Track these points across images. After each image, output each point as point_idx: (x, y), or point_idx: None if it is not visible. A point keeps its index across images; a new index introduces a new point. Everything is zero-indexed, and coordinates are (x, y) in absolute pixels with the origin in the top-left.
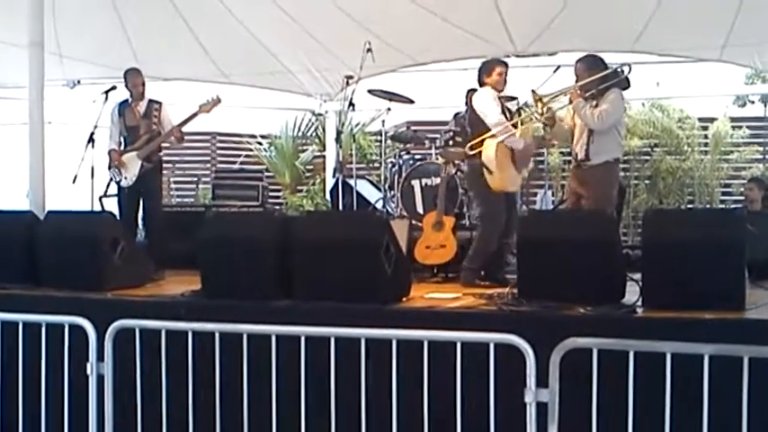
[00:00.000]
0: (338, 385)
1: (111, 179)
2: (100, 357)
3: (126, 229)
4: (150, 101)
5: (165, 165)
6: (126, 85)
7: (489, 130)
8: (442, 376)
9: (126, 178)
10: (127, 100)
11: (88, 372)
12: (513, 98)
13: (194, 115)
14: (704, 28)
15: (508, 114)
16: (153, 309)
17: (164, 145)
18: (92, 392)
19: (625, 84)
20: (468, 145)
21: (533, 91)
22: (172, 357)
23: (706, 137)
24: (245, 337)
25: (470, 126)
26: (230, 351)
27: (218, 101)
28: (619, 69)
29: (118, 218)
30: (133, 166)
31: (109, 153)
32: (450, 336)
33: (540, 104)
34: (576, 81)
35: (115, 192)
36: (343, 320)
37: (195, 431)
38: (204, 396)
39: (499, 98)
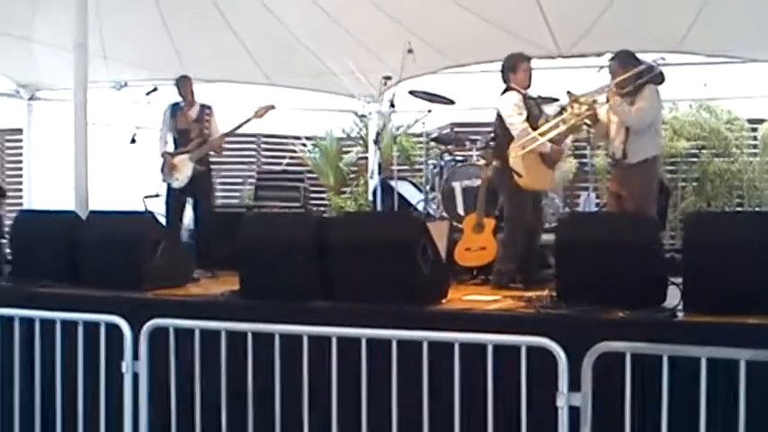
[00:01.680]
0: (370, 386)
1: (164, 180)
2: (135, 356)
3: (167, 229)
4: (202, 105)
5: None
6: (179, 93)
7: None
8: (474, 378)
9: (178, 180)
10: (179, 102)
11: (123, 370)
12: (554, 99)
13: (248, 120)
14: (752, 27)
15: (538, 111)
16: (189, 308)
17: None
18: (127, 391)
19: (660, 79)
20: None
21: (569, 92)
22: (206, 356)
23: (755, 138)
24: (276, 336)
25: (499, 129)
26: (263, 351)
27: (272, 107)
28: (653, 64)
29: (164, 218)
30: (185, 169)
31: (162, 155)
32: (481, 338)
33: (576, 105)
34: (612, 79)
35: (157, 192)
36: (380, 322)
37: (228, 430)
38: (236, 395)
39: (527, 98)
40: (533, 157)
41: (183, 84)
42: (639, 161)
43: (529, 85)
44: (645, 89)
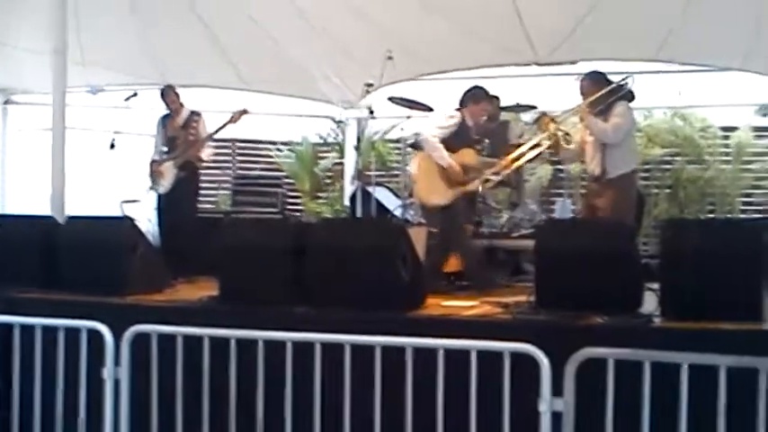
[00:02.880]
0: (353, 392)
1: (150, 187)
2: (116, 362)
3: (145, 234)
4: (192, 112)
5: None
6: (164, 102)
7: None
8: (457, 384)
9: (162, 186)
10: (169, 113)
11: (104, 376)
12: (532, 107)
13: (224, 126)
14: (727, 37)
15: (473, 142)
16: (170, 314)
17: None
18: (108, 397)
19: (630, 96)
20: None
21: (545, 114)
22: (188, 362)
23: (728, 146)
24: (260, 343)
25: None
26: (246, 357)
27: (245, 111)
28: (623, 82)
29: (156, 224)
30: (169, 174)
31: (150, 163)
32: (464, 344)
33: (552, 126)
34: (583, 98)
35: (139, 198)
36: (359, 327)
37: None
38: (219, 401)
39: (466, 128)
40: (432, 171)
41: (167, 93)
42: (618, 176)
43: (476, 122)
44: (617, 106)
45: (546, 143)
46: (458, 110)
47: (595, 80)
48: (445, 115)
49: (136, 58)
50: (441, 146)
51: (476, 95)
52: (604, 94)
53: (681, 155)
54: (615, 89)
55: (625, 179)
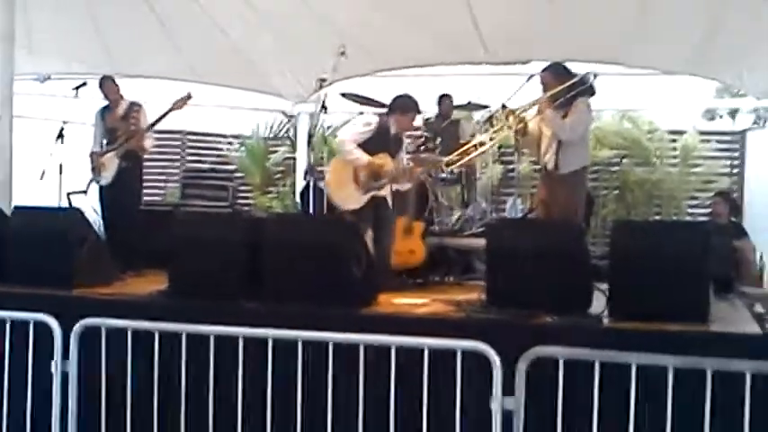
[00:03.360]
0: (305, 388)
1: (92, 179)
2: (65, 355)
3: (93, 226)
4: (131, 103)
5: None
6: (102, 93)
7: None
8: (410, 382)
9: (105, 178)
10: (108, 104)
11: (53, 369)
12: (485, 106)
13: (167, 113)
14: (676, 42)
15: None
16: (119, 307)
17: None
18: (55, 391)
19: (591, 91)
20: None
21: (504, 105)
22: (138, 357)
23: (675, 149)
24: (211, 338)
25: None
26: (197, 351)
27: (189, 97)
28: (585, 77)
29: (100, 216)
30: (111, 167)
31: (90, 155)
32: (417, 342)
33: (511, 117)
34: (544, 91)
35: (85, 189)
36: (312, 323)
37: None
38: (169, 396)
39: (387, 136)
40: (346, 176)
41: (106, 84)
42: (570, 172)
43: (403, 131)
44: (577, 102)
45: (506, 133)
46: (385, 115)
47: (557, 73)
48: (363, 121)
49: (86, 46)
50: (354, 149)
51: (405, 106)
52: (565, 89)
53: (628, 157)
54: (576, 83)
55: (577, 175)
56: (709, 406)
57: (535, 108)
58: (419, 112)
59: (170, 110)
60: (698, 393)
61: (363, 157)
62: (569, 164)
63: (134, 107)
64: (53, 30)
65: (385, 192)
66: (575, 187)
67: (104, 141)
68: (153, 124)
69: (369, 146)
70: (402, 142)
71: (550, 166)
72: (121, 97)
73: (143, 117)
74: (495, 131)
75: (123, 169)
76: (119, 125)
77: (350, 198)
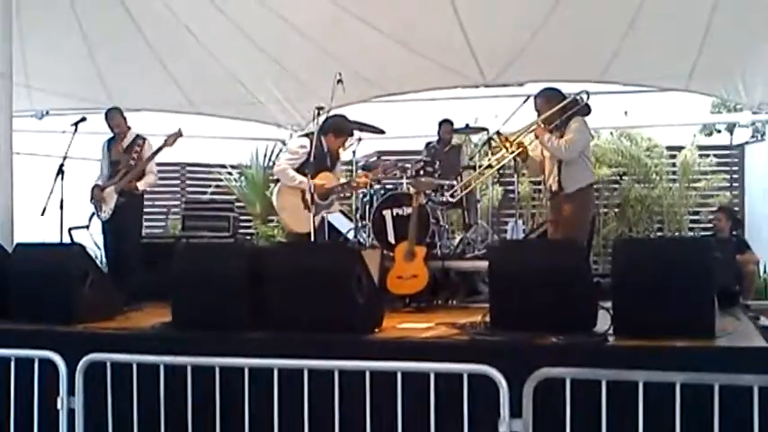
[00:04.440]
0: (311, 416)
1: (93, 213)
2: (71, 392)
3: (95, 261)
4: (137, 136)
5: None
6: (108, 125)
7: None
8: (417, 407)
9: (105, 212)
10: (115, 136)
11: (59, 406)
12: (483, 129)
13: (158, 150)
14: (670, 58)
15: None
16: (124, 342)
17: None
18: (62, 428)
19: (586, 110)
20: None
21: (498, 133)
22: (144, 391)
23: (674, 165)
24: (217, 369)
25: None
26: (203, 384)
27: (180, 134)
28: (578, 97)
29: (102, 251)
30: (110, 200)
31: (92, 189)
32: (423, 367)
33: (507, 144)
34: (538, 115)
35: (86, 224)
36: (316, 351)
37: None
38: (177, 429)
39: (323, 153)
40: (295, 201)
41: (112, 116)
42: (575, 190)
43: (337, 151)
44: (573, 122)
45: (510, 157)
46: (318, 135)
47: (548, 96)
48: (296, 144)
49: (83, 81)
50: (296, 174)
51: (339, 129)
52: (559, 111)
53: (628, 174)
54: (569, 104)
55: (582, 193)
56: (717, 421)
57: (532, 134)
58: (352, 134)
59: (162, 147)
60: (706, 409)
61: (303, 180)
62: (572, 183)
63: (138, 140)
64: (51, 66)
65: (335, 209)
66: (581, 205)
67: (108, 173)
68: (146, 161)
69: (308, 167)
70: (338, 158)
71: (555, 187)
72: (128, 128)
73: (145, 151)
74: (497, 157)
75: (122, 204)
76: (121, 158)
77: (303, 221)
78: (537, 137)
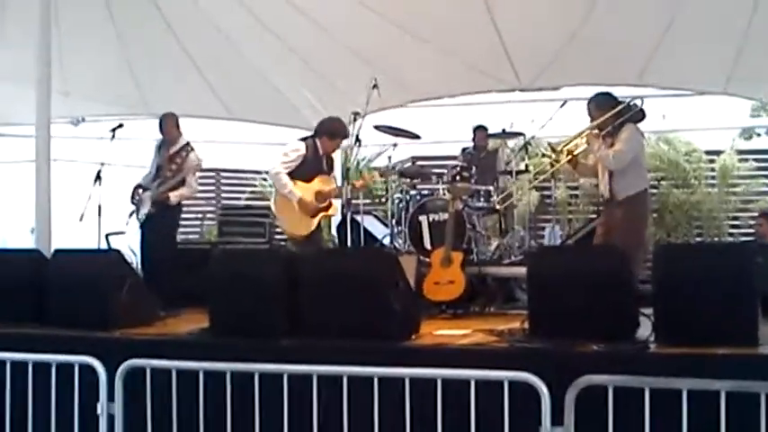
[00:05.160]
0: (351, 423)
1: (132, 212)
2: (110, 397)
3: (132, 267)
4: (186, 144)
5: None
6: (160, 130)
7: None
8: (456, 414)
9: (141, 215)
10: (167, 140)
11: (98, 412)
12: (519, 134)
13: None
14: (708, 61)
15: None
16: (162, 348)
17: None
18: None
19: (640, 116)
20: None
21: (549, 144)
22: (183, 396)
23: (713, 170)
24: (256, 376)
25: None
26: (241, 390)
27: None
28: (632, 103)
29: (139, 256)
30: (145, 205)
31: (134, 188)
32: (463, 374)
33: (557, 154)
34: (591, 121)
35: (123, 230)
36: (353, 358)
37: None
38: None
39: (313, 156)
40: (289, 204)
41: (164, 121)
42: (627, 197)
43: (329, 154)
44: (624, 129)
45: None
46: (312, 138)
47: (600, 102)
48: (290, 148)
49: (120, 88)
50: (288, 182)
51: (333, 132)
52: (611, 117)
53: (666, 179)
54: (623, 110)
55: (635, 200)
56: (764, 429)
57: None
58: (346, 137)
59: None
60: (752, 417)
61: (296, 192)
62: (624, 190)
63: (182, 152)
64: (88, 73)
65: (332, 211)
66: (633, 211)
67: (153, 176)
68: (184, 173)
69: (303, 170)
70: (333, 161)
71: (606, 195)
72: (179, 135)
73: (188, 162)
74: (550, 162)
75: (153, 214)
76: (165, 164)
77: (299, 225)
78: (588, 143)
